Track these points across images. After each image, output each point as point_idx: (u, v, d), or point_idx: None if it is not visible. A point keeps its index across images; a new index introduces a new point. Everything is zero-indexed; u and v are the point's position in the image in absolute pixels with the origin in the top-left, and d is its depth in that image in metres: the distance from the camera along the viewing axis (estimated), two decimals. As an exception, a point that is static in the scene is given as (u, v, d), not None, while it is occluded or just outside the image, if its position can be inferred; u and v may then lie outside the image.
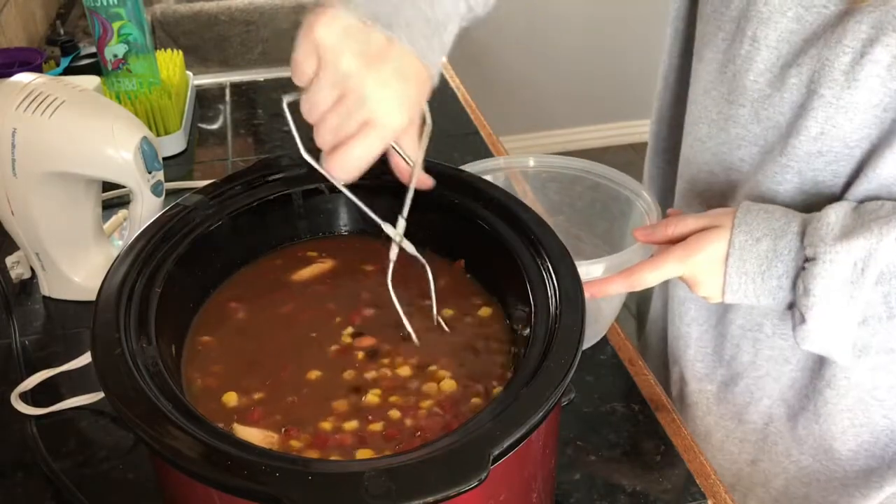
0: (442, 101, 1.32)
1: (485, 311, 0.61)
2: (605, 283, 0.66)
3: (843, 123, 0.63)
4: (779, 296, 0.64)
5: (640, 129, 2.91)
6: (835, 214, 0.62)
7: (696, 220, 0.68)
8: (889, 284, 0.59)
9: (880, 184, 0.63)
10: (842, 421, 0.73)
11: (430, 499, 0.39)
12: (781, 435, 0.79)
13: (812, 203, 0.68)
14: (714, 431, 0.83)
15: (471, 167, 0.83)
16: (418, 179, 0.58)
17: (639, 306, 1.01)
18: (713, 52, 0.73)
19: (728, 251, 0.64)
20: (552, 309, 0.52)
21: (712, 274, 0.66)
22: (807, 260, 0.61)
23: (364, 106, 0.51)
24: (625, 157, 2.85)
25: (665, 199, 0.91)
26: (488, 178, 0.79)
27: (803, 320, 0.62)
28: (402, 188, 0.59)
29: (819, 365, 0.73)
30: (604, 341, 0.81)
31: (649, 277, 0.66)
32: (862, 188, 0.64)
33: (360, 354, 0.57)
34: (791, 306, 0.64)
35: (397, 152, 0.58)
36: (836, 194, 0.67)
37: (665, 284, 0.89)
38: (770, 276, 0.63)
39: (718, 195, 0.76)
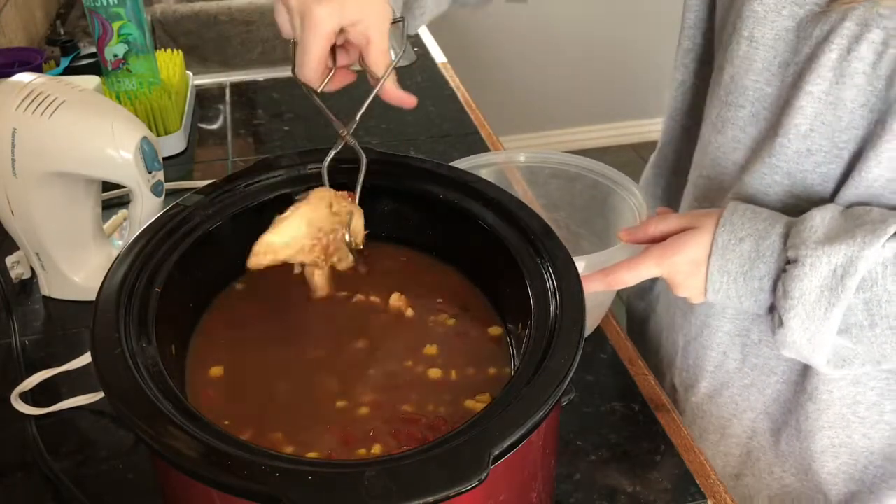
0: (442, 101, 1.32)
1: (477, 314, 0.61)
2: (583, 281, 0.66)
3: (832, 121, 0.63)
4: (760, 297, 0.63)
5: (640, 129, 2.91)
6: (820, 217, 0.61)
7: (678, 220, 0.68)
8: (870, 291, 0.58)
9: (868, 188, 0.62)
10: (822, 439, 0.73)
11: (430, 499, 0.39)
12: (764, 451, 0.78)
13: (802, 207, 0.67)
14: (699, 442, 0.83)
15: (462, 162, 0.83)
16: (397, 96, 0.64)
17: (629, 306, 1.01)
18: (718, 59, 0.73)
19: (711, 249, 0.64)
20: (552, 309, 0.52)
21: (691, 275, 0.65)
22: (788, 262, 0.61)
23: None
24: (625, 157, 2.85)
25: (656, 204, 0.91)
26: (481, 173, 0.79)
27: (781, 324, 0.62)
28: (400, 191, 0.60)
29: (802, 378, 0.73)
30: (604, 341, 0.81)
31: (627, 277, 0.67)
32: (850, 192, 0.63)
33: (358, 347, 0.58)
34: (772, 309, 0.64)
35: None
36: (826, 200, 0.66)
37: (663, 290, 0.89)
38: (752, 278, 0.63)
39: (711, 200, 0.76)
